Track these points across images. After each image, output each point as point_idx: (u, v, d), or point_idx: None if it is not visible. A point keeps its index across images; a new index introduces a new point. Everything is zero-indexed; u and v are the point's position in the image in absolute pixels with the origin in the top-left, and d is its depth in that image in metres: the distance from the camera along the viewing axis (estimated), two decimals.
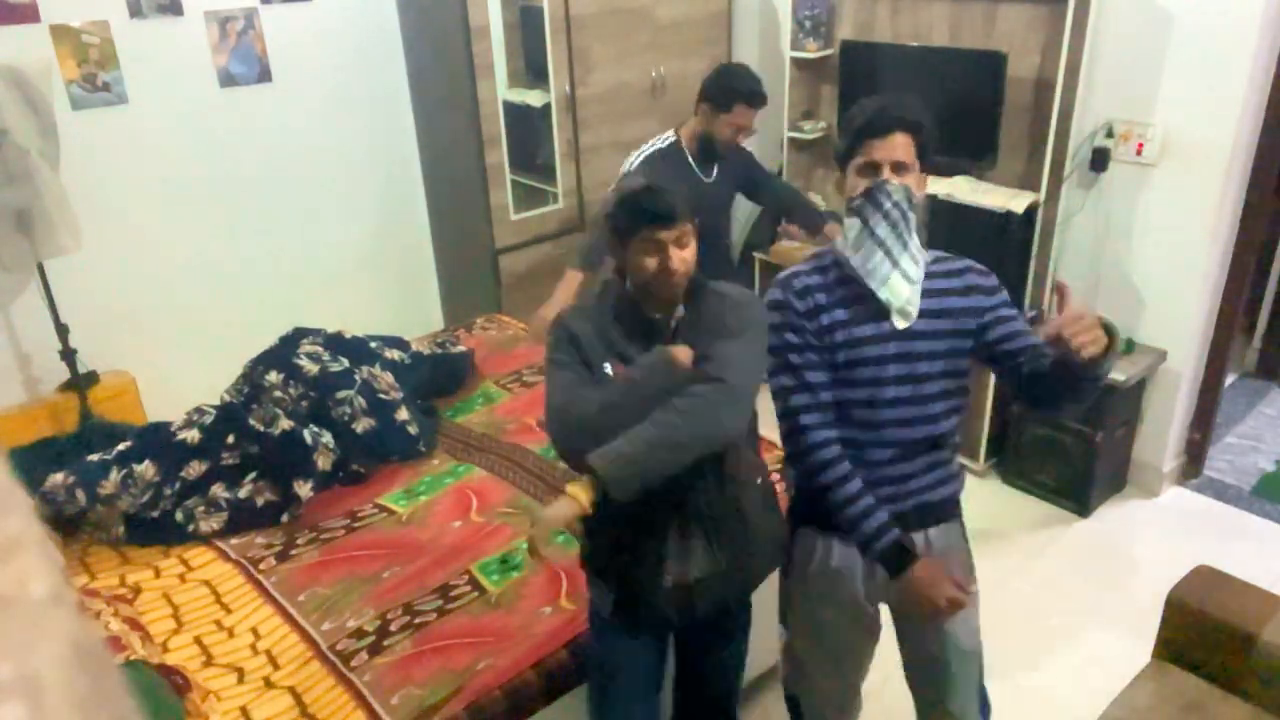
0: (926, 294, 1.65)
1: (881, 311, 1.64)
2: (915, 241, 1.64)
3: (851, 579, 1.76)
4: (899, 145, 1.61)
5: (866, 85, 3.63)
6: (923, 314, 1.65)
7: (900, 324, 1.63)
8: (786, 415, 1.70)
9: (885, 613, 1.87)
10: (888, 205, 1.60)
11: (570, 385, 1.61)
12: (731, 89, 2.70)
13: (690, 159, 2.82)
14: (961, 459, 2.11)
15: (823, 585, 1.80)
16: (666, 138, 2.84)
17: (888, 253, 1.62)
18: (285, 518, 2.43)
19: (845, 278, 1.67)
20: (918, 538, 1.72)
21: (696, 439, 1.53)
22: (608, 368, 1.62)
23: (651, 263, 1.57)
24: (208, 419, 2.52)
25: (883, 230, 1.61)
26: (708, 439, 1.54)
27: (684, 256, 1.58)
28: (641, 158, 2.81)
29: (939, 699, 1.85)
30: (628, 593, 1.70)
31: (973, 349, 1.68)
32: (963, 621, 1.75)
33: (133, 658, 1.79)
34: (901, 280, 1.62)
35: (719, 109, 2.72)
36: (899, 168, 1.61)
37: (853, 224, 1.65)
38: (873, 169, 1.62)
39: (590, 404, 1.56)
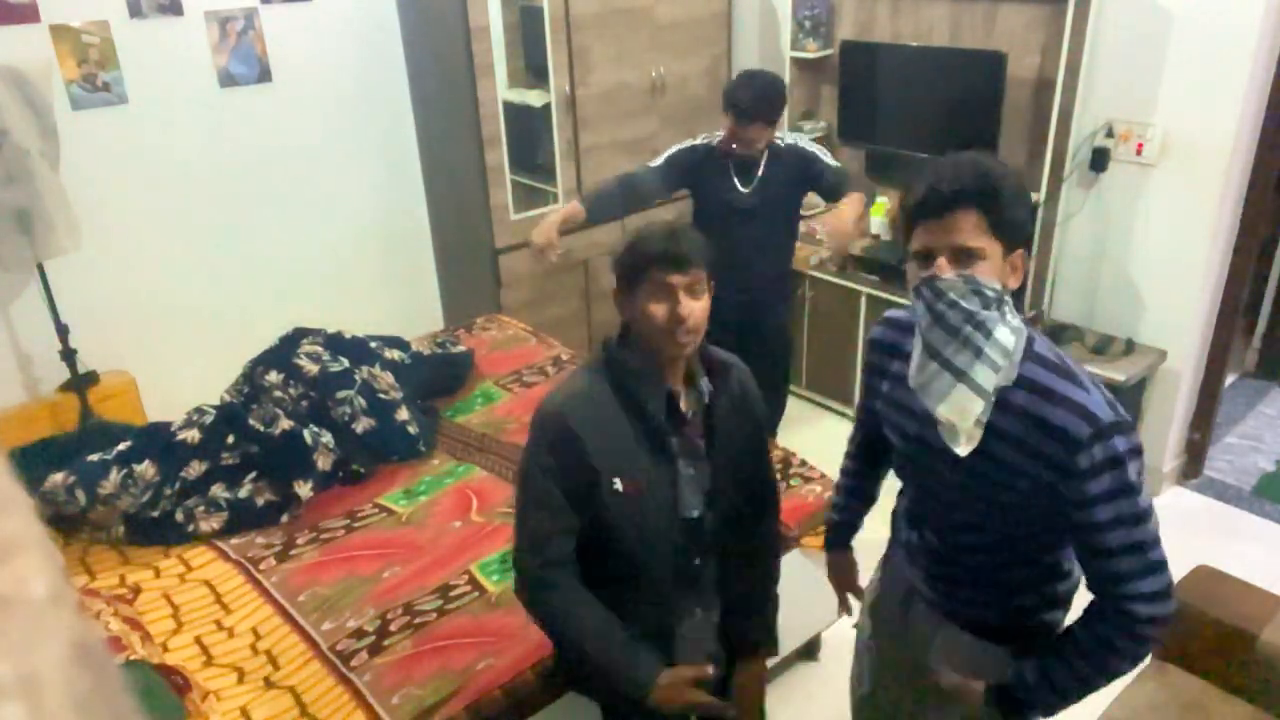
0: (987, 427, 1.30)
1: (933, 420, 1.33)
2: (1001, 344, 1.26)
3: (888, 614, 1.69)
4: (962, 227, 1.23)
5: (866, 85, 3.63)
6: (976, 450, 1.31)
7: (963, 450, 1.29)
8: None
9: None
10: (940, 307, 1.25)
11: (544, 533, 1.49)
12: (725, 96, 2.70)
13: (730, 165, 2.78)
14: None
15: (877, 617, 1.74)
16: (705, 138, 2.84)
17: (946, 364, 1.27)
18: (285, 518, 2.43)
19: None
20: (957, 636, 1.52)
21: None
22: (618, 484, 1.47)
23: (660, 310, 1.42)
24: (208, 419, 2.51)
25: (937, 337, 1.27)
26: None
27: (696, 307, 1.44)
28: (669, 152, 2.83)
29: None
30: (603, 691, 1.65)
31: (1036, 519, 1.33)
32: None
33: (133, 658, 1.79)
34: (968, 395, 1.26)
35: (726, 113, 2.71)
36: (962, 256, 1.24)
37: (915, 319, 1.33)
38: (926, 257, 1.27)
39: (564, 625, 1.52)
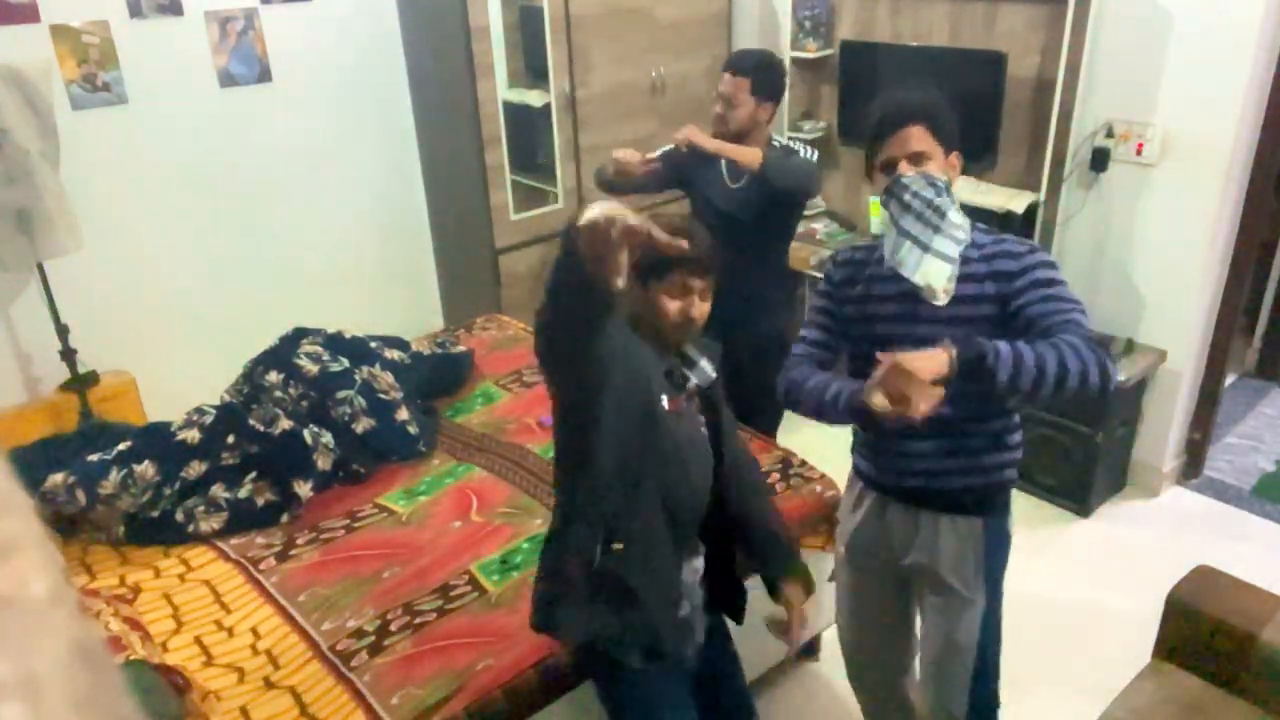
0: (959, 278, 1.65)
1: (910, 293, 1.66)
2: (953, 221, 1.64)
3: (888, 533, 1.84)
4: (912, 136, 1.64)
5: (866, 85, 3.63)
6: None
7: (941, 300, 1.64)
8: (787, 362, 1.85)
9: None
10: (906, 197, 1.62)
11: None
12: (724, 62, 2.69)
13: (721, 162, 2.70)
14: None
15: (861, 537, 1.90)
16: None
17: (915, 240, 1.64)
18: (285, 518, 2.44)
19: (883, 259, 1.73)
20: (929, 519, 1.76)
21: None
22: (665, 401, 1.58)
23: (676, 307, 1.56)
24: (208, 419, 2.51)
25: (908, 222, 1.64)
26: None
27: (705, 309, 1.61)
28: (666, 149, 2.78)
29: (925, 688, 1.92)
30: (649, 635, 1.63)
31: (1003, 332, 1.60)
32: (959, 617, 1.78)
33: (133, 658, 1.79)
34: (935, 260, 1.64)
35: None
36: (916, 158, 1.64)
37: (885, 219, 1.69)
38: (891, 165, 1.66)
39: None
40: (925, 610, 1.88)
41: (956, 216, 1.66)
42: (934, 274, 1.63)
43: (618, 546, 1.58)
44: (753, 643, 2.03)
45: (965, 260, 1.66)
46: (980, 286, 1.65)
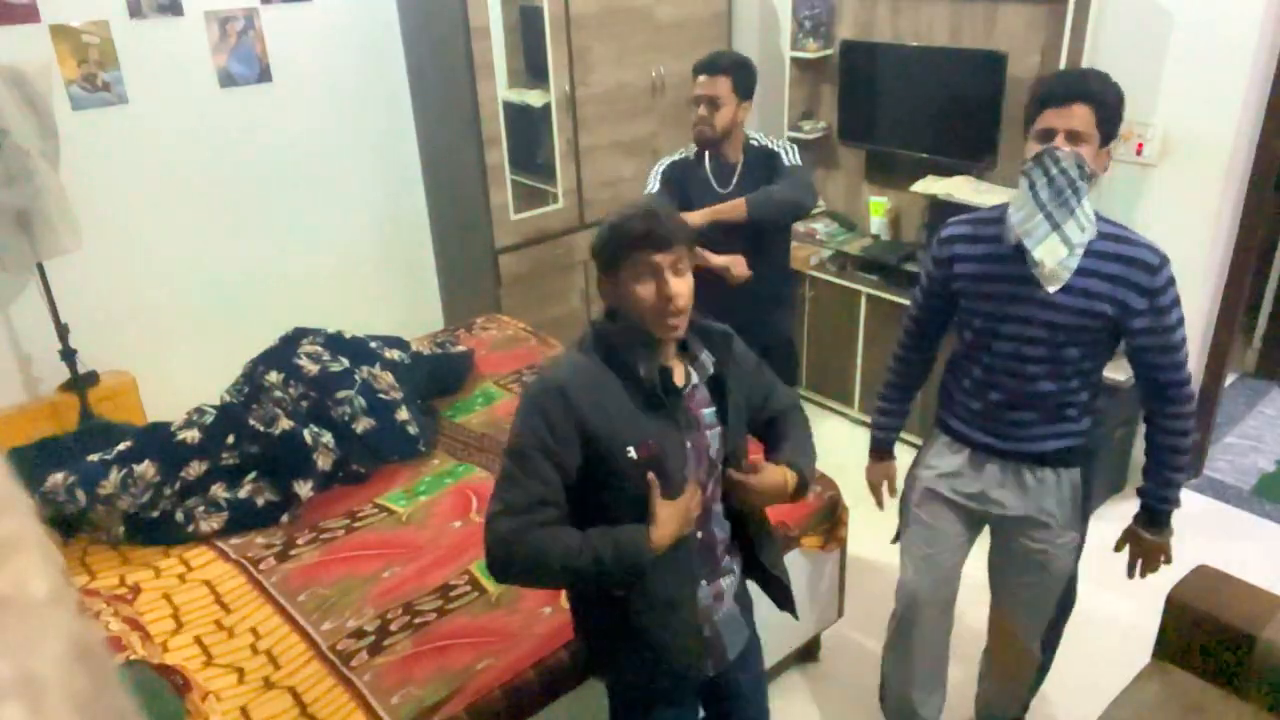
0: (1077, 270, 1.71)
1: (1022, 274, 1.73)
2: (1085, 212, 1.69)
3: (985, 483, 1.97)
4: (1077, 115, 1.66)
5: (866, 85, 3.63)
6: (1064, 288, 1.72)
7: (1052, 288, 1.71)
8: (899, 330, 2.08)
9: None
10: (1054, 171, 1.65)
11: (527, 509, 1.41)
12: (695, 65, 2.59)
13: (707, 169, 2.65)
14: None
15: (954, 483, 2.02)
16: (687, 148, 2.71)
17: (1048, 216, 1.67)
18: (285, 518, 2.43)
19: (999, 236, 1.78)
20: (1027, 475, 1.92)
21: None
22: (631, 452, 1.44)
23: (647, 290, 1.42)
24: (208, 419, 2.52)
25: (1046, 194, 1.66)
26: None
27: (683, 285, 1.44)
28: (660, 170, 2.69)
29: (1010, 605, 2.11)
30: (664, 654, 1.57)
31: (1112, 337, 1.79)
32: (1058, 551, 1.97)
33: (133, 658, 1.79)
34: (1059, 243, 1.68)
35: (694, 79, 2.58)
36: (1074, 137, 1.66)
37: (1021, 185, 1.71)
38: (1047, 136, 1.67)
39: (546, 554, 1.41)
40: (1013, 550, 2.01)
41: (1089, 208, 1.70)
42: (1054, 254, 1.68)
43: (618, 593, 1.52)
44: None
45: (1092, 253, 1.71)
46: (1108, 286, 1.71)
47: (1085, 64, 3.02)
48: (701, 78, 2.56)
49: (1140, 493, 1.95)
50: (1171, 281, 1.74)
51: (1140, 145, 3.03)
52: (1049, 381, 1.81)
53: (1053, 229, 1.68)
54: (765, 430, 1.77)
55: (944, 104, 3.40)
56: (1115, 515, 3.31)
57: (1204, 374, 3.30)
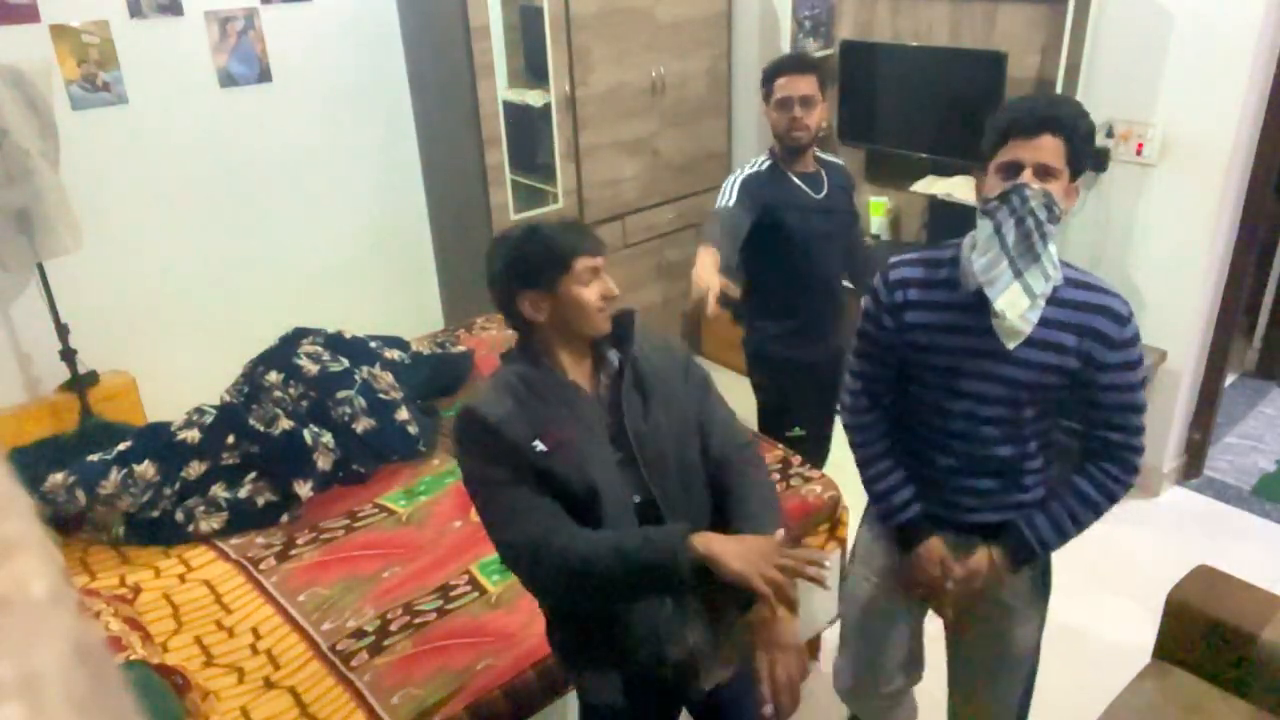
0: (1041, 322, 1.54)
1: (981, 326, 1.55)
2: (1050, 257, 1.52)
3: (890, 553, 1.83)
4: (1047, 148, 1.48)
5: (867, 85, 3.63)
6: (1026, 341, 1.54)
7: (1012, 343, 1.53)
8: (844, 393, 1.82)
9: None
10: (1022, 211, 1.47)
11: (535, 511, 1.42)
12: (767, 69, 2.46)
13: (794, 177, 2.48)
14: None
15: (869, 555, 1.89)
16: (763, 160, 2.52)
17: (1013, 261, 1.49)
18: (285, 518, 2.44)
19: (954, 280, 1.59)
20: (981, 549, 1.72)
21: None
22: (539, 445, 1.42)
23: (592, 293, 1.44)
24: (208, 419, 2.51)
25: (1013, 237, 1.48)
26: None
27: (612, 285, 1.48)
28: (737, 183, 2.45)
29: (976, 694, 1.93)
30: (632, 671, 1.55)
31: (1070, 392, 1.60)
32: (1015, 632, 1.81)
33: (133, 658, 1.79)
34: (1021, 293, 1.50)
35: (767, 92, 2.44)
36: (1044, 172, 1.48)
37: (983, 226, 1.52)
38: (1014, 170, 1.50)
39: (569, 551, 1.39)
40: (969, 629, 1.85)
41: (1053, 253, 1.53)
42: (1016, 306, 1.50)
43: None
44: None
45: (1057, 301, 1.55)
46: (1074, 338, 1.55)
47: (1085, 64, 3.02)
48: (783, 79, 2.40)
49: (1025, 521, 1.68)
50: (1139, 337, 1.58)
51: (1140, 145, 3.03)
52: (1007, 445, 1.64)
53: (1015, 277, 1.50)
54: (714, 482, 1.58)
55: (944, 104, 3.40)
56: (1116, 515, 3.31)
57: (1204, 374, 3.30)
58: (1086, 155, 1.53)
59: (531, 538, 1.41)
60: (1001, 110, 1.56)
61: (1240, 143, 2.88)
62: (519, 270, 1.45)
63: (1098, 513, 1.66)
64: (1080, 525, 1.66)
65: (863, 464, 1.79)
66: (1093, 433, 1.64)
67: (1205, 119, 2.88)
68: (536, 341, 1.50)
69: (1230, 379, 3.89)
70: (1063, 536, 1.67)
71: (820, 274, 2.57)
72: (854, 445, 1.80)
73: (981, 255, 1.52)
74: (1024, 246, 1.48)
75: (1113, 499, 1.65)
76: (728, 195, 2.45)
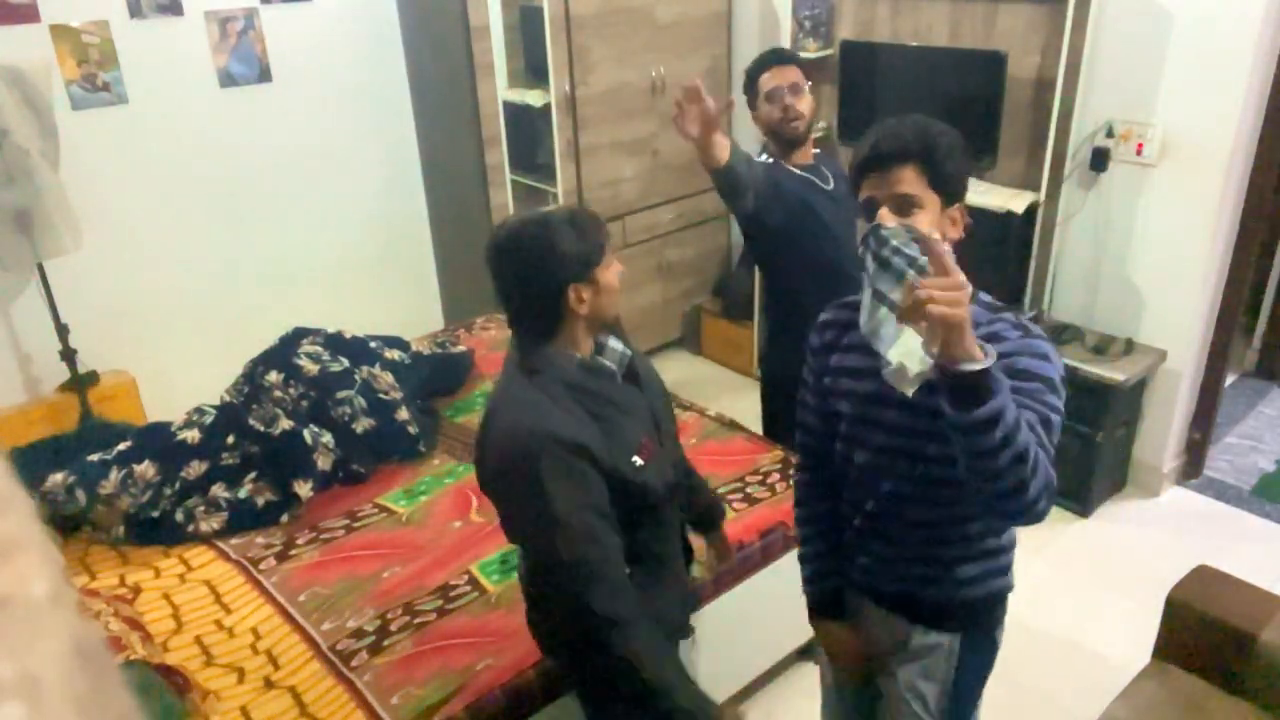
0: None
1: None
2: None
3: (864, 634, 1.65)
4: (903, 179, 1.34)
5: (867, 85, 3.63)
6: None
7: (908, 391, 1.29)
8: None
9: None
10: (885, 252, 1.27)
11: (615, 570, 1.44)
12: (748, 70, 2.43)
13: (798, 170, 2.40)
14: None
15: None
16: (763, 156, 2.44)
17: (893, 308, 1.28)
18: (285, 518, 2.44)
19: None
20: (903, 627, 1.55)
21: None
22: (638, 460, 1.45)
23: (616, 275, 1.48)
24: (208, 419, 2.52)
25: (886, 284, 1.27)
26: None
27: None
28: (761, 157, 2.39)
29: None
30: (663, 615, 1.61)
31: None
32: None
33: (133, 658, 1.79)
34: (913, 337, 1.27)
35: (752, 95, 2.40)
36: (903, 204, 1.34)
37: (863, 276, 1.34)
38: (870, 208, 1.36)
39: (645, 650, 1.44)
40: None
41: None
42: (912, 353, 1.28)
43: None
44: (745, 650, 2.03)
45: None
46: None
47: (1085, 64, 3.02)
48: (767, 74, 2.36)
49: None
50: (1032, 354, 1.34)
51: (1140, 145, 3.03)
52: (921, 505, 1.45)
53: (900, 320, 1.28)
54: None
55: (944, 104, 3.40)
56: (1116, 515, 3.32)
57: (1204, 374, 3.30)
58: (957, 175, 1.37)
59: (624, 618, 1.41)
60: (860, 140, 1.42)
61: (1240, 143, 2.88)
62: (569, 265, 1.41)
63: (1025, 446, 1.27)
64: (1016, 428, 1.24)
65: (796, 523, 1.70)
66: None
67: (1205, 119, 2.88)
68: (565, 336, 1.47)
69: (1230, 379, 3.89)
70: (1003, 411, 1.22)
71: (849, 269, 2.36)
72: (796, 505, 1.69)
73: (863, 307, 1.33)
74: (901, 289, 1.25)
75: (1037, 462, 1.31)
76: (760, 157, 2.39)
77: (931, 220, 1.35)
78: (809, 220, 2.35)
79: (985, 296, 1.44)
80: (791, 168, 2.40)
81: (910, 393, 1.30)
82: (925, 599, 1.53)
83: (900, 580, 1.53)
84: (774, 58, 2.42)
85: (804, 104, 2.37)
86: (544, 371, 1.45)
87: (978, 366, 1.18)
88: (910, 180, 1.33)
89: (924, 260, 1.25)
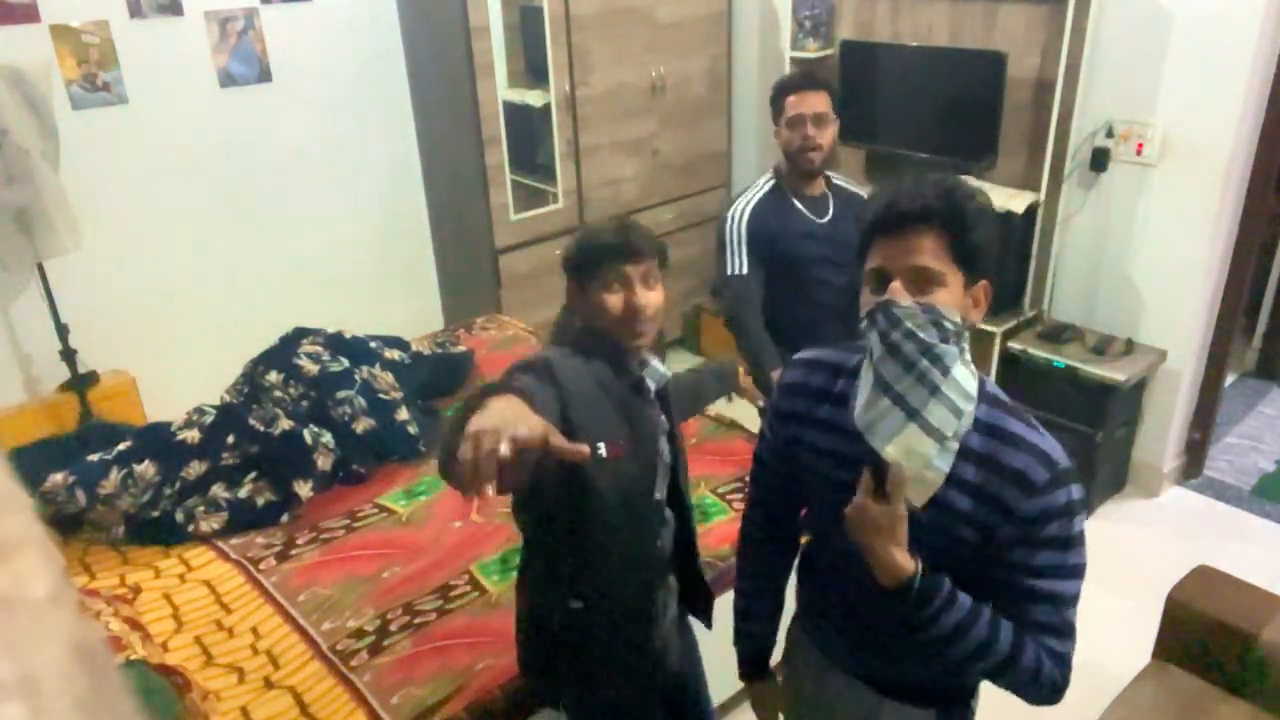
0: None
1: (881, 469, 1.16)
2: (961, 384, 1.15)
3: (832, 707, 1.49)
4: (922, 248, 1.13)
5: (867, 85, 3.63)
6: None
7: (918, 501, 1.16)
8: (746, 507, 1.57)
9: None
10: (895, 336, 1.12)
11: None
12: (777, 86, 2.37)
13: (795, 200, 2.37)
14: None
15: (804, 705, 1.58)
16: (766, 180, 2.42)
17: (900, 400, 1.14)
18: (285, 518, 2.44)
19: (848, 397, 1.25)
20: (873, 701, 1.38)
21: None
22: (602, 449, 1.37)
23: (616, 300, 1.40)
24: (208, 419, 2.51)
25: (891, 371, 1.14)
26: None
27: (652, 297, 1.42)
28: (743, 232, 2.36)
29: None
30: (616, 668, 1.58)
31: (975, 557, 1.19)
32: None
33: (133, 658, 1.79)
34: (921, 436, 1.14)
35: (776, 112, 2.34)
36: (921, 280, 1.13)
37: (866, 360, 1.20)
38: (881, 280, 1.16)
39: None
40: None
41: (964, 378, 1.16)
42: (915, 454, 1.14)
43: (576, 605, 1.51)
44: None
45: (961, 450, 1.17)
46: (969, 501, 1.16)
47: (1085, 64, 3.02)
48: (793, 96, 2.29)
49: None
50: (1066, 513, 1.15)
51: (1140, 145, 3.03)
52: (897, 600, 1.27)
53: (909, 417, 1.14)
54: None
55: (944, 104, 3.40)
56: (1116, 515, 3.32)
57: (1204, 374, 3.30)
58: (984, 247, 1.16)
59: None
60: (870, 198, 1.23)
61: (1240, 143, 2.88)
62: (566, 257, 1.46)
63: (988, 645, 1.17)
64: (988, 645, 1.17)
65: (740, 578, 1.55)
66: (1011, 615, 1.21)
67: (1205, 119, 2.88)
68: (578, 311, 1.49)
69: (1230, 379, 3.89)
70: (963, 629, 1.16)
71: (828, 302, 2.38)
72: (739, 556, 1.56)
73: (861, 391, 1.20)
74: (913, 378, 1.13)
75: (1040, 667, 1.21)
76: (737, 252, 2.36)
77: (953, 300, 1.14)
78: (778, 263, 2.36)
79: (993, 389, 1.22)
80: (794, 197, 2.38)
81: (919, 503, 1.16)
82: (900, 675, 1.36)
83: (873, 655, 1.37)
84: (804, 81, 2.34)
85: (825, 136, 2.30)
86: (583, 341, 1.47)
87: (901, 582, 1.13)
88: (931, 250, 1.13)
89: (941, 349, 1.12)
